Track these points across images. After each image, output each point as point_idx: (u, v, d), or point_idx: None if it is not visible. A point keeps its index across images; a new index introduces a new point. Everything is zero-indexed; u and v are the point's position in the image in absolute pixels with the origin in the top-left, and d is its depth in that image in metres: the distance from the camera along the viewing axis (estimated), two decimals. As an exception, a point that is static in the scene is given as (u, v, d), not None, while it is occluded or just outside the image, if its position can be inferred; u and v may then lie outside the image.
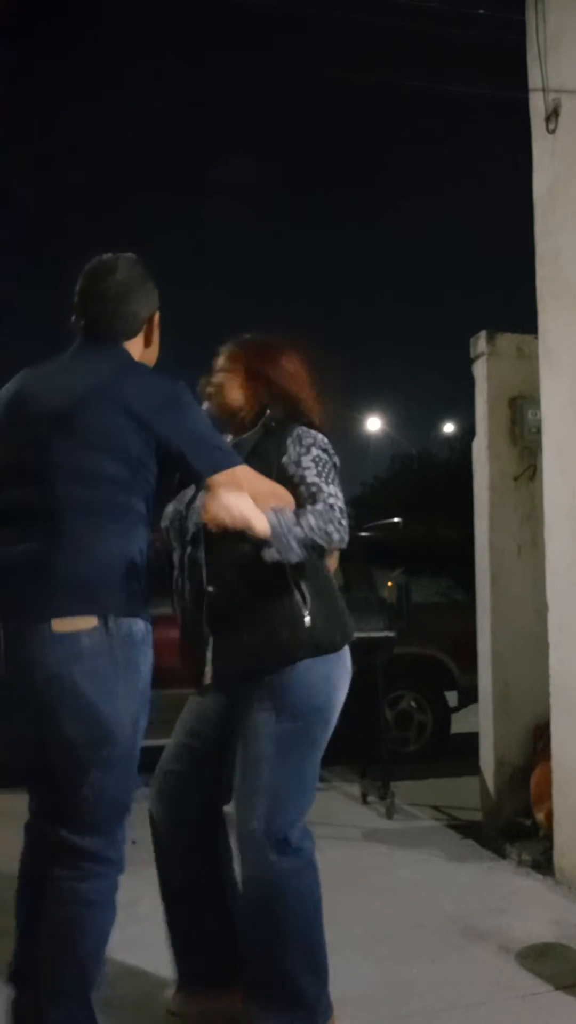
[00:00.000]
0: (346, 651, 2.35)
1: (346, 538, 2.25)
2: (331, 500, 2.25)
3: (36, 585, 1.97)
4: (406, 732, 6.36)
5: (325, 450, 2.36)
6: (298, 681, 2.25)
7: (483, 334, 4.49)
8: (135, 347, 2.23)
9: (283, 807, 2.23)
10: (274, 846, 2.22)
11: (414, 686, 6.38)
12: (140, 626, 2.04)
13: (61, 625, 1.94)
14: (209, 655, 2.26)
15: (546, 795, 3.88)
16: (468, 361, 4.60)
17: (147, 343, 2.26)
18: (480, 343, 4.51)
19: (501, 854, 4.00)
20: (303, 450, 2.32)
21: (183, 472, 2.16)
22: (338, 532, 2.22)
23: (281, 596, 2.24)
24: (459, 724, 6.40)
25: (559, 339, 3.81)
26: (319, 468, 2.31)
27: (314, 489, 2.26)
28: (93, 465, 2.02)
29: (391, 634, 5.10)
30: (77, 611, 1.96)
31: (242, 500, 2.04)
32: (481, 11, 4.55)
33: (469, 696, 5.62)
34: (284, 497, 2.20)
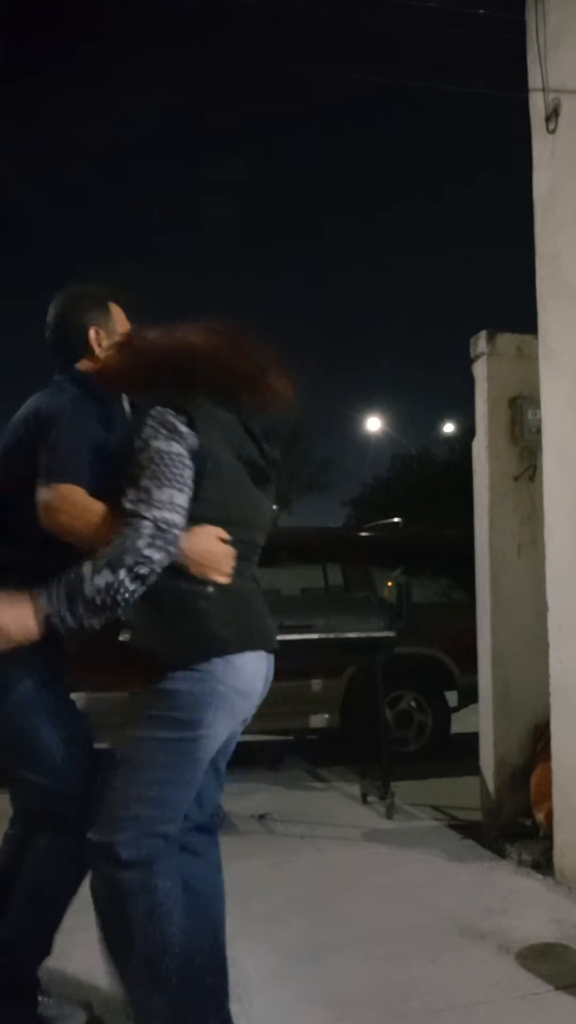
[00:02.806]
0: (214, 670, 2.03)
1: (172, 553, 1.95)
2: (154, 512, 1.93)
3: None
4: (406, 732, 6.36)
5: (172, 432, 2.00)
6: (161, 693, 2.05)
7: (483, 334, 4.50)
8: (86, 365, 2.39)
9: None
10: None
11: (414, 686, 6.39)
12: None
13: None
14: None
15: (546, 795, 3.88)
16: (468, 361, 4.61)
17: (92, 359, 2.39)
18: (480, 343, 4.51)
19: (501, 854, 4.00)
20: (151, 432, 2.00)
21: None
22: (159, 552, 1.91)
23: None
24: (459, 724, 6.40)
25: (559, 339, 3.81)
26: (157, 465, 1.97)
27: (143, 495, 1.95)
28: None
29: (391, 634, 5.10)
30: None
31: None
32: (481, 11, 4.56)
33: (469, 696, 5.62)
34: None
